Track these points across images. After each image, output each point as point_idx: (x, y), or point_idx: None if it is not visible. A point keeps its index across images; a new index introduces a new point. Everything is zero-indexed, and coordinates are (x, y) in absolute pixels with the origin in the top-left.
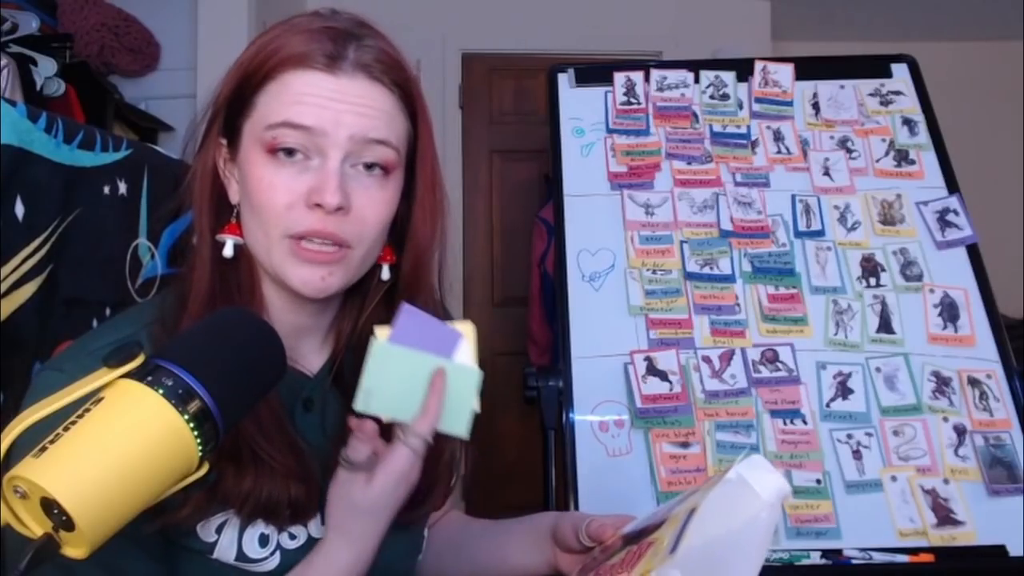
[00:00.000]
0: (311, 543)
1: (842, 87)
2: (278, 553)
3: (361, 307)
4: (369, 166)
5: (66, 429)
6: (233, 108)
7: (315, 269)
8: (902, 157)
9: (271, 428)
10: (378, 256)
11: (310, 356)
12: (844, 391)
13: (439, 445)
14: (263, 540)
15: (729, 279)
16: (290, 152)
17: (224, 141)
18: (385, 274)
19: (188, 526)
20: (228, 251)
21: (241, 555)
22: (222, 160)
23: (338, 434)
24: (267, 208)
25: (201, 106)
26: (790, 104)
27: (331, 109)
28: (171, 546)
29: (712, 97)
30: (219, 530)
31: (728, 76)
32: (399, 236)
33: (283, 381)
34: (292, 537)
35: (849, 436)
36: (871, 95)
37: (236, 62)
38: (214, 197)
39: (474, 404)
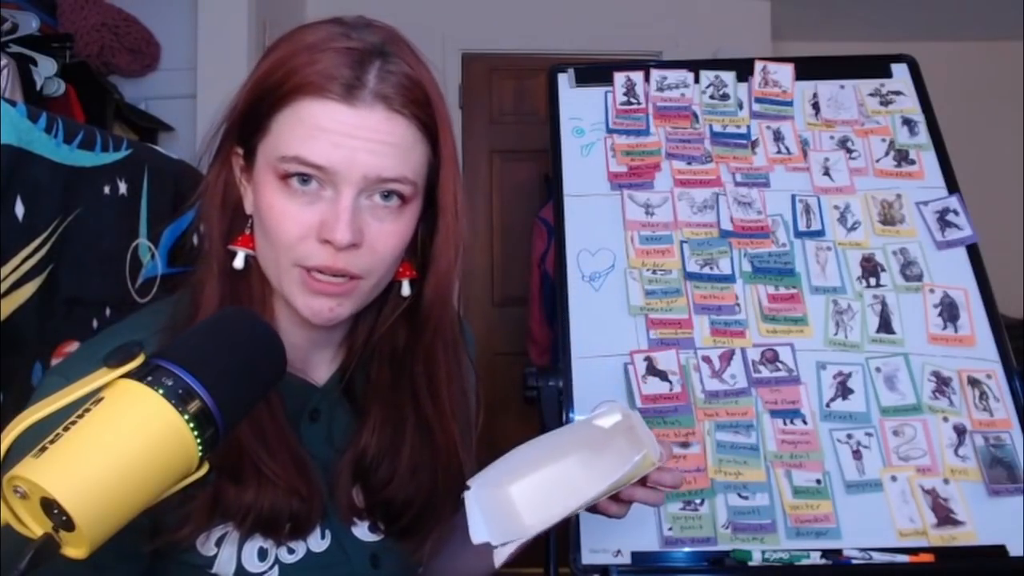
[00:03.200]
0: (310, 557)
1: (842, 87)
2: (277, 567)
3: (376, 319)
4: (386, 195)
5: (66, 429)
6: (248, 125)
7: (324, 300)
8: (902, 157)
9: (275, 442)
10: (394, 275)
11: (320, 367)
12: (844, 391)
13: (437, 482)
14: (262, 554)
15: (729, 279)
16: (304, 179)
17: (240, 151)
18: (406, 290)
19: (187, 543)
20: (239, 263)
21: (240, 569)
22: (238, 169)
23: (345, 445)
24: (278, 236)
25: (212, 114)
26: (790, 104)
27: (345, 147)
28: (168, 562)
29: (712, 97)
30: (219, 543)
31: (728, 76)
32: (420, 252)
33: (290, 392)
34: (291, 551)
35: (849, 436)
36: (871, 95)
37: (253, 74)
38: (227, 208)
39: None
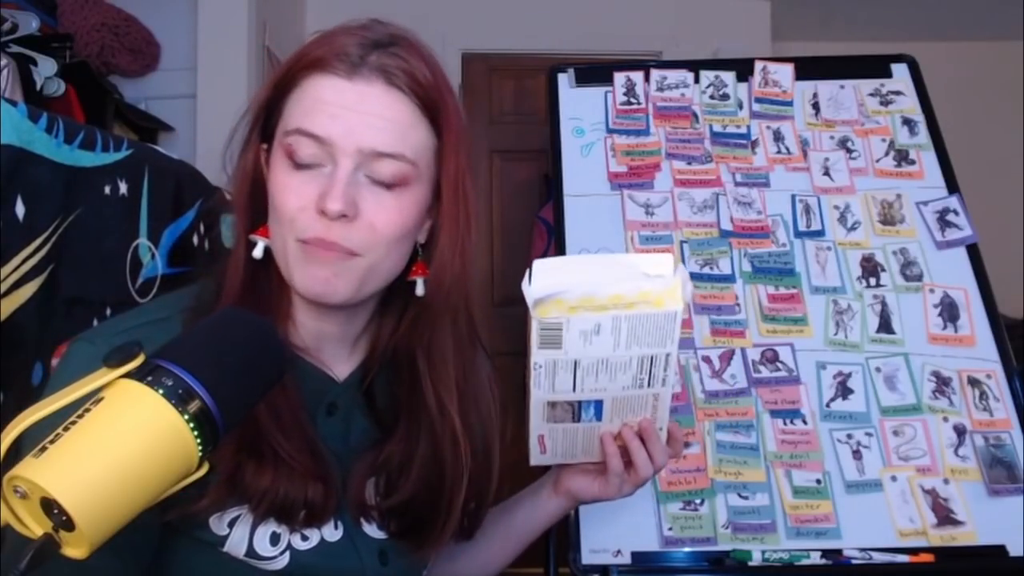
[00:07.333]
0: (323, 546)
1: (842, 87)
2: (288, 553)
3: (397, 322)
4: (387, 184)
5: (66, 429)
6: (268, 112)
7: (320, 267)
8: (902, 157)
9: (291, 427)
10: (410, 271)
11: (339, 363)
12: (844, 391)
13: (447, 485)
14: (274, 539)
15: (729, 279)
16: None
17: (265, 146)
18: (419, 290)
19: (202, 518)
20: (258, 252)
21: (251, 551)
22: (264, 164)
23: (364, 447)
24: (281, 211)
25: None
26: (790, 104)
27: (342, 119)
28: (180, 537)
29: (712, 97)
30: (231, 524)
31: (728, 76)
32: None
33: (309, 380)
34: (304, 538)
35: (849, 436)
36: (871, 95)
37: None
38: (252, 199)
39: None
